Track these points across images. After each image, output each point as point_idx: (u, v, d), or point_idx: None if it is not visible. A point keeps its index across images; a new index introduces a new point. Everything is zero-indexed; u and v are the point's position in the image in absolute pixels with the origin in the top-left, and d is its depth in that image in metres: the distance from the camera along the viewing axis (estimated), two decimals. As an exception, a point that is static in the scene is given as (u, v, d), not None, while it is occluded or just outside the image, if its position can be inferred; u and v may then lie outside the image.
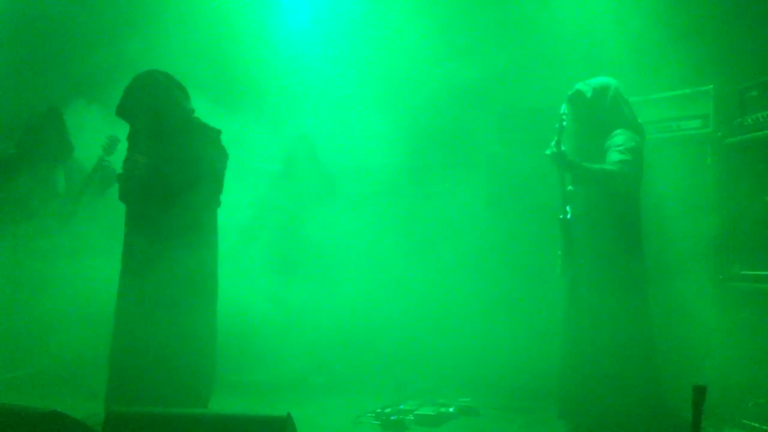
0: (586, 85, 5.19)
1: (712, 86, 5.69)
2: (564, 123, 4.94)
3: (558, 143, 4.89)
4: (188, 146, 4.95)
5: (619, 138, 5.03)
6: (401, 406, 5.72)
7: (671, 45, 5.91)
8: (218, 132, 5.09)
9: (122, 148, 5.16)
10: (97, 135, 6.00)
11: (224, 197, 5.12)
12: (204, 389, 4.96)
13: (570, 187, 5.09)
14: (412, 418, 5.52)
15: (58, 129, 6.40)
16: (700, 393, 3.35)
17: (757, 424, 5.02)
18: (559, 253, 5.08)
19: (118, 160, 5.15)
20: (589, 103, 5.15)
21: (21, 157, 6.34)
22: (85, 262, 6.01)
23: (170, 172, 4.88)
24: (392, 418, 5.42)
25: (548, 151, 4.93)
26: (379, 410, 5.59)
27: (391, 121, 7.11)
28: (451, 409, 5.69)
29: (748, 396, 5.10)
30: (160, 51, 6.33)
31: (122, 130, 5.09)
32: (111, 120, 5.20)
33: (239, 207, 6.22)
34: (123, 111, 5.00)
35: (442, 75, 6.98)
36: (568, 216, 5.04)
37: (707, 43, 5.99)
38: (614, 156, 4.97)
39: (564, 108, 5.03)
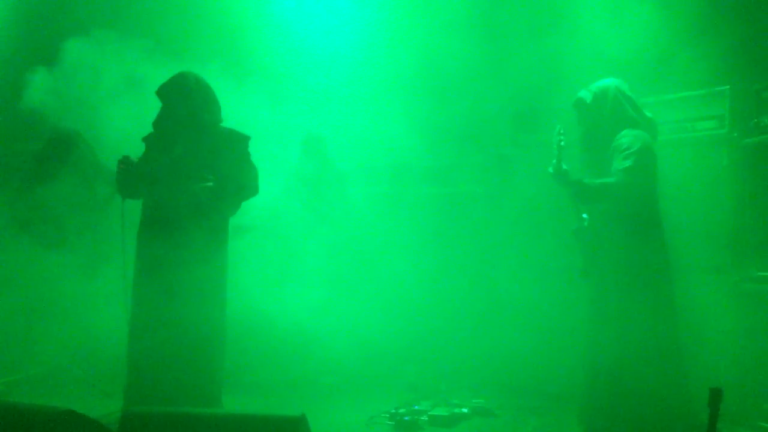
0: (587, 91, 5.17)
1: (728, 87, 5.66)
2: (562, 142, 4.88)
3: (559, 162, 4.85)
4: (225, 157, 5.08)
5: (625, 140, 4.95)
6: (415, 407, 5.72)
7: (687, 45, 5.87)
8: (248, 138, 5.18)
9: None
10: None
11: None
12: (215, 388, 4.99)
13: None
14: (426, 418, 5.52)
15: (78, 146, 6.47)
16: (716, 395, 3.34)
17: (773, 427, 5.01)
18: (580, 262, 5.07)
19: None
20: (590, 108, 5.12)
21: (40, 170, 6.41)
22: (101, 265, 6.07)
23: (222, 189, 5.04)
24: (406, 418, 5.43)
25: (550, 169, 4.89)
26: (392, 410, 5.59)
27: (403, 121, 7.10)
28: (465, 410, 5.69)
29: (764, 398, 5.07)
30: (170, 44, 6.34)
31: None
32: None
33: (253, 207, 6.24)
34: (161, 95, 5.15)
35: (455, 75, 6.97)
36: (585, 224, 5.02)
37: (723, 43, 5.94)
38: (617, 162, 4.90)
39: (559, 128, 4.95)
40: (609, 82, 5.18)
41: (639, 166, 4.86)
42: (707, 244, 5.56)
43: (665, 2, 6.05)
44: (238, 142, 5.20)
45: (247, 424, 3.81)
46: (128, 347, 5.02)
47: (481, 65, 6.78)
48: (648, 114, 5.17)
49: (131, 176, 5.06)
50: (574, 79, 5.80)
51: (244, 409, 4.40)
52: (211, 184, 5.00)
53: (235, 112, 5.46)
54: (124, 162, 5.06)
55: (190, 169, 5.01)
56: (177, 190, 4.97)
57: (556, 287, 5.99)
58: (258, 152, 5.45)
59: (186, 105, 5.07)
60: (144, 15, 7.15)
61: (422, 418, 5.52)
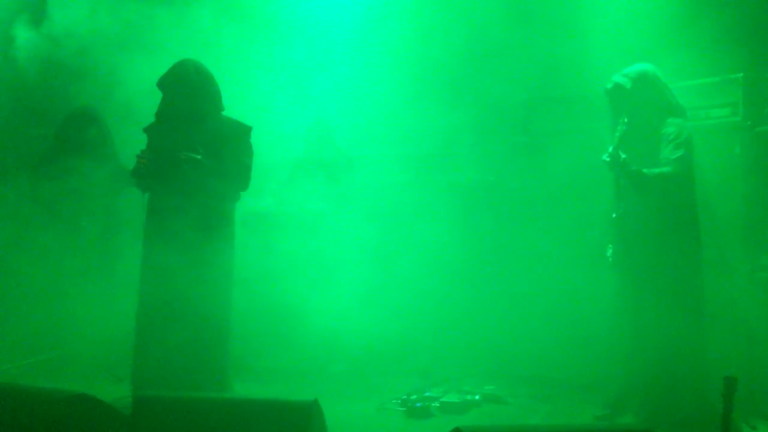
0: (624, 77, 5.05)
1: (741, 74, 5.62)
2: (623, 129, 4.85)
3: (616, 150, 4.78)
4: (223, 145, 5.07)
5: (672, 128, 4.93)
6: (426, 393, 5.71)
7: (700, 32, 5.83)
8: (249, 129, 5.18)
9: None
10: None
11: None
12: (222, 373, 5.05)
13: (623, 181, 4.96)
14: (438, 405, 5.53)
15: (96, 129, 6.49)
16: (730, 385, 3.33)
17: (787, 417, 4.99)
18: (609, 250, 5.04)
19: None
20: (630, 95, 5.00)
21: (58, 156, 6.43)
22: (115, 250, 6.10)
23: (209, 171, 4.99)
24: (417, 405, 5.43)
25: (605, 157, 4.82)
26: (404, 397, 5.59)
27: (413, 108, 7.09)
28: (476, 397, 5.69)
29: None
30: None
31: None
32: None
33: (259, 197, 6.25)
34: (161, 86, 5.13)
35: (466, 63, 6.95)
36: (621, 211, 4.96)
37: (736, 30, 5.91)
38: (668, 151, 4.87)
39: (624, 117, 4.92)
40: (646, 67, 5.11)
41: (689, 156, 4.89)
42: (719, 233, 5.52)
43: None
44: (239, 133, 5.20)
45: (260, 408, 3.82)
46: (135, 332, 5.05)
47: (494, 54, 6.76)
48: (681, 101, 5.14)
49: (150, 170, 5.03)
50: (588, 67, 5.79)
51: (257, 395, 4.40)
52: (199, 156, 4.95)
53: (247, 100, 5.46)
54: (144, 156, 5.04)
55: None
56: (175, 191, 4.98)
57: (568, 276, 5.97)
58: (266, 139, 5.45)
59: (186, 96, 5.05)
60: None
61: (433, 404, 5.52)
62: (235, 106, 5.37)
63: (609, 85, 5.11)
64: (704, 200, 5.49)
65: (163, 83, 5.11)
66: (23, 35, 6.13)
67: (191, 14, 6.43)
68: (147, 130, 5.22)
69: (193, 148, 4.97)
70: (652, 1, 6.05)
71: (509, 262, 6.53)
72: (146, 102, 5.28)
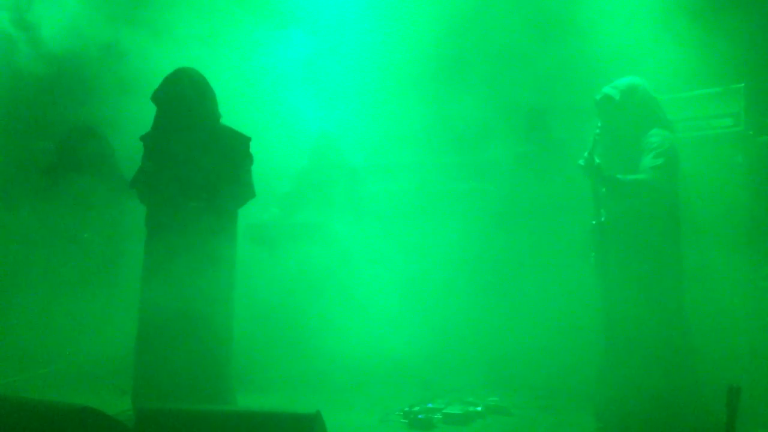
0: (614, 88, 5.15)
1: (743, 84, 5.63)
2: (597, 135, 4.92)
3: (591, 155, 4.87)
4: (218, 154, 5.04)
5: (655, 139, 5.00)
6: (429, 405, 5.69)
7: (702, 43, 5.85)
8: (248, 139, 5.15)
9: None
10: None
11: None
12: (224, 385, 5.02)
13: (604, 190, 5.03)
14: (440, 416, 5.50)
15: (96, 142, 6.53)
16: (734, 394, 3.32)
17: (789, 427, 4.98)
18: (592, 258, 5.06)
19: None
20: (618, 106, 5.10)
21: (59, 170, 6.47)
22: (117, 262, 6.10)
23: (199, 180, 4.97)
24: (420, 416, 5.41)
25: (581, 162, 4.91)
26: (406, 409, 5.58)
27: (417, 119, 7.09)
28: (479, 408, 5.67)
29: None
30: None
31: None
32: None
33: (261, 205, 6.24)
34: (156, 101, 5.08)
35: (471, 74, 6.96)
36: (602, 219, 5.00)
37: (739, 40, 5.93)
38: (648, 161, 4.93)
39: (599, 122, 5.02)
40: (635, 80, 5.19)
41: (669, 165, 4.93)
42: (722, 242, 5.53)
43: (682, 1, 6.03)
44: (238, 144, 5.15)
45: (262, 421, 3.83)
46: (136, 344, 5.04)
47: (497, 63, 6.78)
48: (669, 116, 5.18)
49: (150, 181, 5.03)
50: (589, 78, 5.80)
51: (259, 406, 4.40)
52: (203, 204, 4.96)
53: (251, 107, 5.45)
54: (146, 168, 5.04)
55: (189, 176, 5.00)
56: (176, 202, 4.97)
57: (570, 285, 5.97)
58: (269, 149, 5.44)
59: (182, 108, 4.99)
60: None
61: (436, 416, 5.50)
62: (238, 113, 5.37)
63: (598, 96, 5.19)
64: (707, 210, 5.51)
65: (157, 97, 5.04)
66: (21, 45, 6.15)
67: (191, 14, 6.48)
68: (144, 138, 5.16)
69: (197, 193, 4.96)
70: (655, 12, 6.07)
71: (513, 272, 6.54)
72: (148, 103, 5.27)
